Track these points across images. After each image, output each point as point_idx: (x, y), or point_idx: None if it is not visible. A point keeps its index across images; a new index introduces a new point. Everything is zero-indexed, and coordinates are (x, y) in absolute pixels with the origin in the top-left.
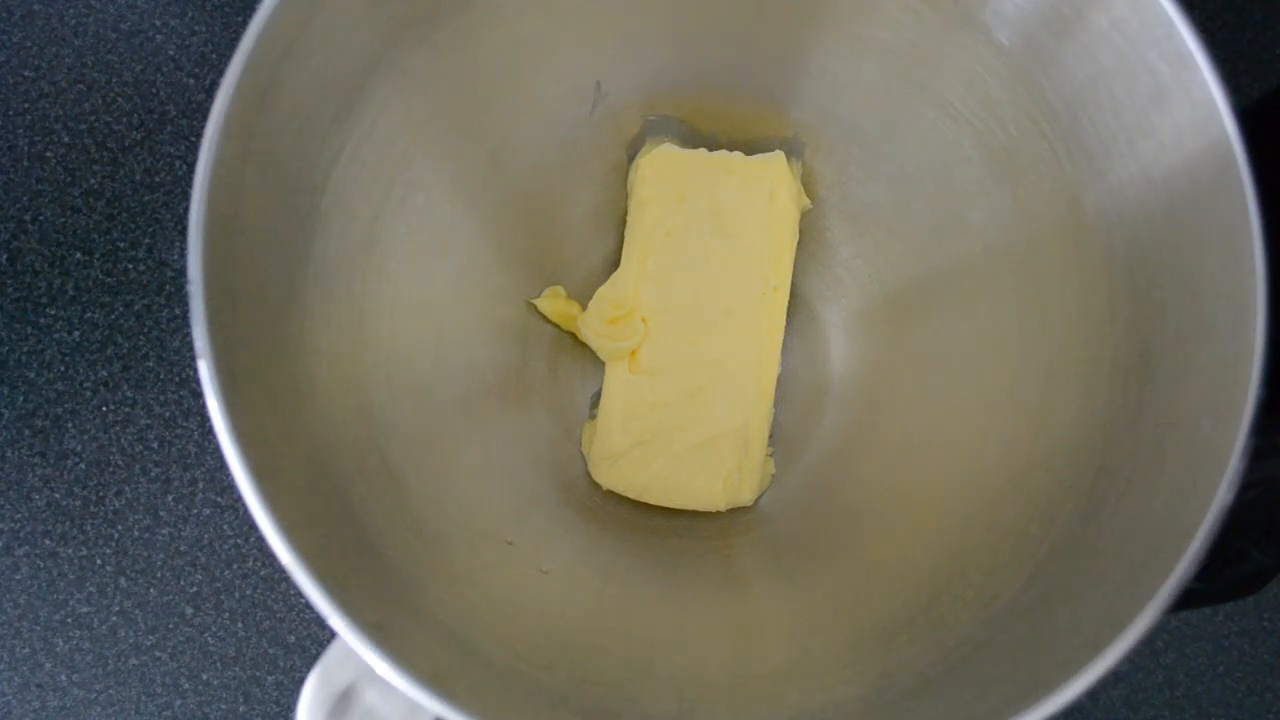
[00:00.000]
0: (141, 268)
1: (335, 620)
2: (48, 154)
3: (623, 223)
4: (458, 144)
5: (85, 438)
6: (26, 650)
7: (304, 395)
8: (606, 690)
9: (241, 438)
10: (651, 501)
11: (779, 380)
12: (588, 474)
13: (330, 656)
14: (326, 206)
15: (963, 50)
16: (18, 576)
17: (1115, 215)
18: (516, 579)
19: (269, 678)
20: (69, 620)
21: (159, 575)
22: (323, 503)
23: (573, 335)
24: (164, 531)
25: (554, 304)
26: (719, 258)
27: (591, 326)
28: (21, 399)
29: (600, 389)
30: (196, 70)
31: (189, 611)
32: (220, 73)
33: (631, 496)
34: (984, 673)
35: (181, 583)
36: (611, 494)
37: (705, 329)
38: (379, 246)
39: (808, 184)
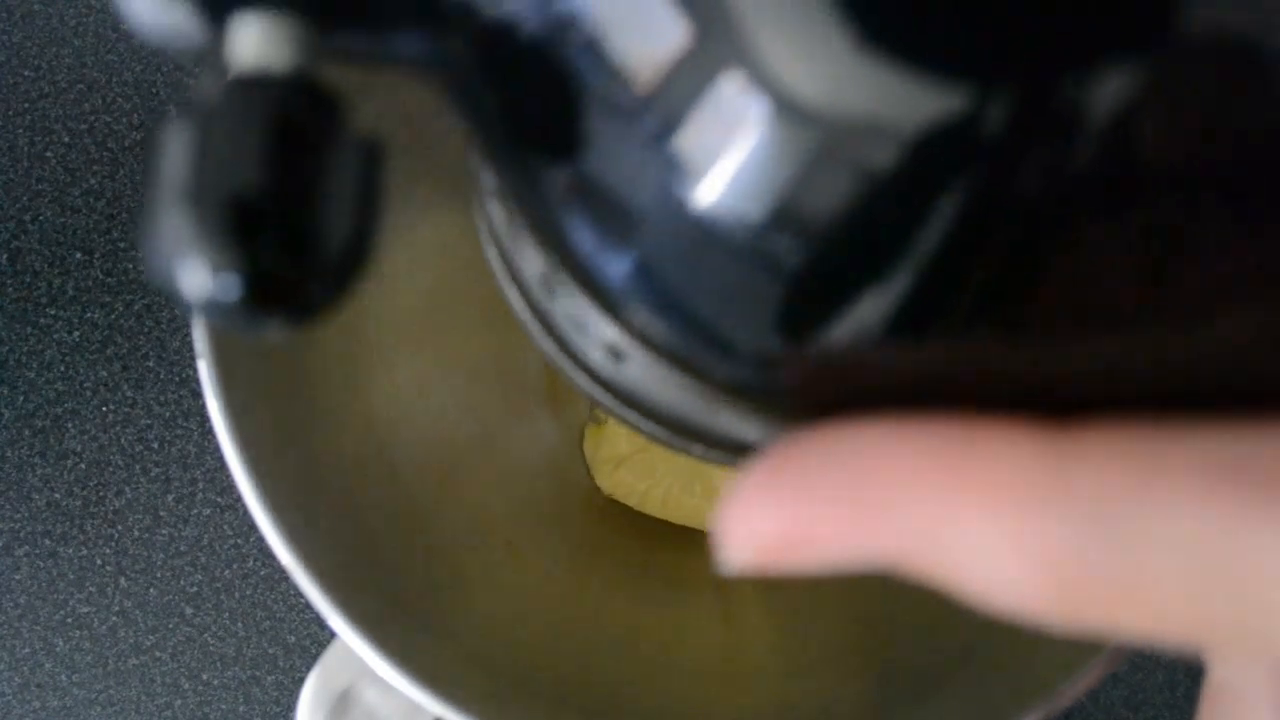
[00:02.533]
0: (142, 268)
1: (335, 620)
2: (48, 154)
3: None
4: (459, 141)
5: (85, 438)
6: (26, 650)
7: (303, 395)
8: (607, 690)
9: (241, 438)
10: (648, 512)
11: None
12: (589, 479)
13: (330, 657)
14: None
15: None
16: (17, 576)
17: None
18: (516, 580)
19: (269, 678)
20: (69, 620)
21: (159, 575)
22: (322, 502)
23: None
24: (164, 531)
25: None
26: None
27: None
28: (21, 399)
29: None
30: (196, 70)
31: (189, 611)
32: None
33: (630, 504)
34: (984, 673)
35: (181, 583)
36: (613, 500)
37: None
38: (379, 245)
39: None
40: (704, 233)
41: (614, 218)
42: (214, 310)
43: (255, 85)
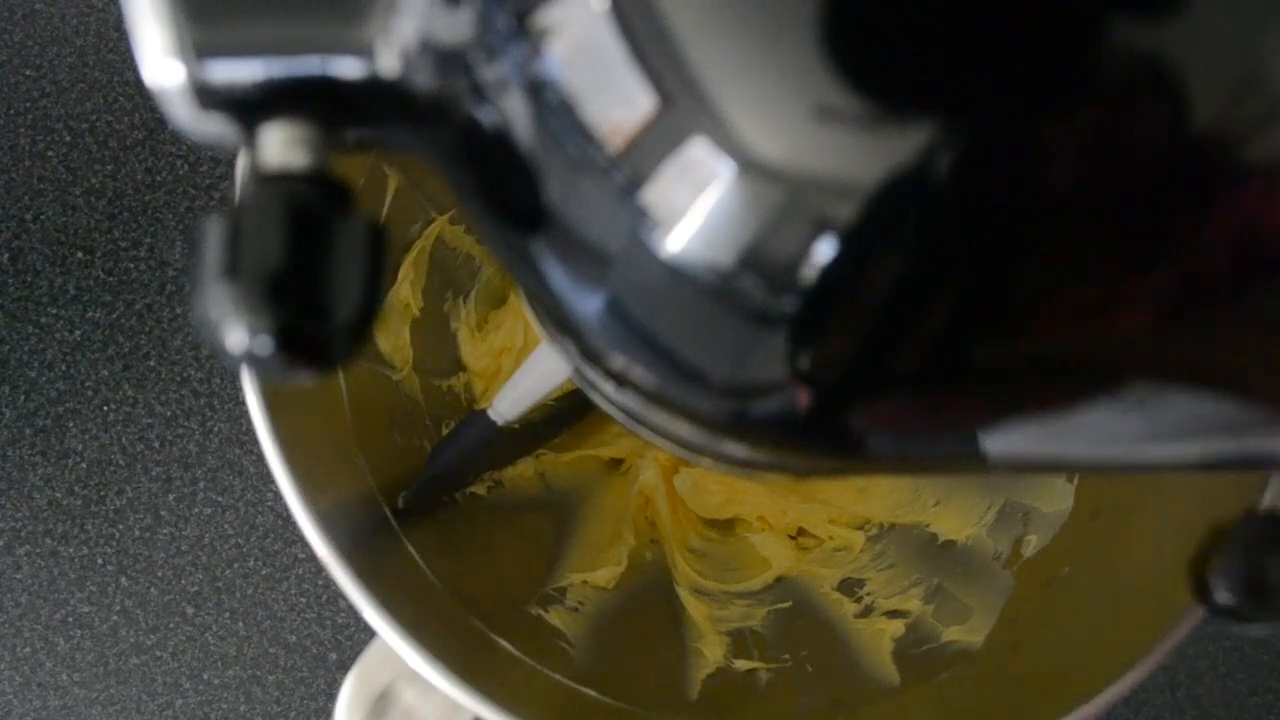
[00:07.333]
0: (143, 267)
1: (373, 618)
2: (49, 153)
3: None
4: None
5: (86, 437)
6: (27, 649)
7: (331, 386)
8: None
9: (281, 436)
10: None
11: None
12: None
13: (369, 657)
14: None
15: None
16: (19, 575)
17: None
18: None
19: (269, 677)
20: (70, 619)
21: (160, 574)
22: (358, 496)
23: None
24: (165, 531)
25: None
26: None
27: None
28: (23, 398)
29: None
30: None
31: (190, 611)
32: None
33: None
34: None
35: (182, 582)
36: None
37: None
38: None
39: None
40: (669, 277)
41: (586, 261)
42: (252, 363)
43: (277, 181)
